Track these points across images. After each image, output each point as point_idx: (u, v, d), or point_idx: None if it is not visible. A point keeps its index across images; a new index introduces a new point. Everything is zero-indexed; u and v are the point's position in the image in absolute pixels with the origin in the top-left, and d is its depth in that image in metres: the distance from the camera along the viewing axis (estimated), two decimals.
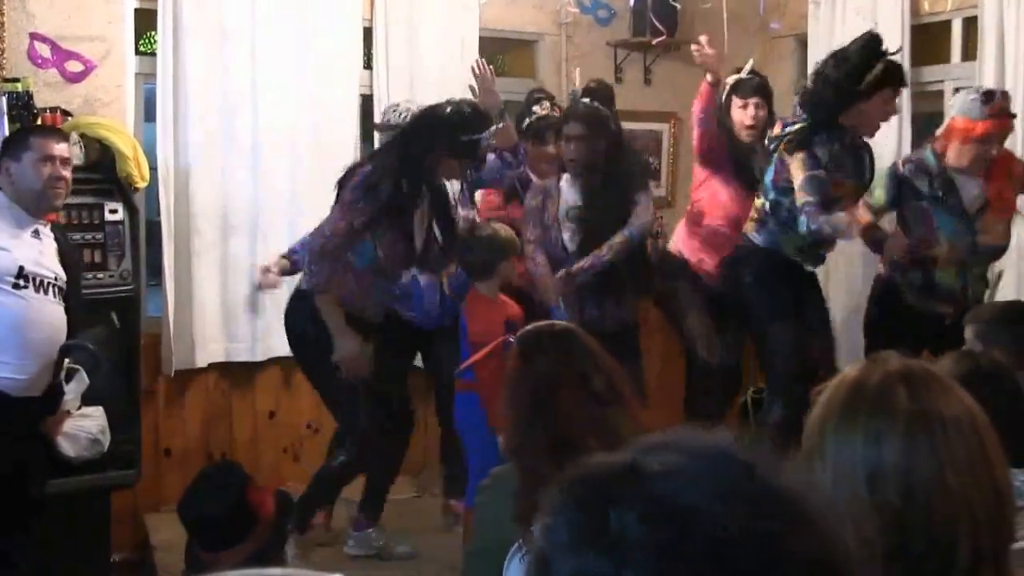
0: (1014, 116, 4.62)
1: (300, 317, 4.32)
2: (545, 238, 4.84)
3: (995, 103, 4.51)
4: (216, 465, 3.87)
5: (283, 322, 4.49)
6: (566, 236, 4.82)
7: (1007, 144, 4.70)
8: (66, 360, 4.03)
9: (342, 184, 4.28)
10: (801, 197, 4.46)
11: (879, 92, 4.46)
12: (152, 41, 5.22)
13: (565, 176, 4.90)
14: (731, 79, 5.17)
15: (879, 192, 4.82)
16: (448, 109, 4.25)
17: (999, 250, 4.76)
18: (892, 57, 4.52)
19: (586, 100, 4.94)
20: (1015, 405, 2.50)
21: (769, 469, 0.91)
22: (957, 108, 4.63)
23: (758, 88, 5.16)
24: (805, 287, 4.89)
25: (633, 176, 4.93)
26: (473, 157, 4.35)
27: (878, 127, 4.62)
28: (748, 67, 5.20)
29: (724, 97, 5.15)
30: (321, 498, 4.61)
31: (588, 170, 4.79)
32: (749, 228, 4.85)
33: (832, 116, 4.51)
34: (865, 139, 4.65)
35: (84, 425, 4.21)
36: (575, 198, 4.83)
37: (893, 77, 4.49)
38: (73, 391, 4.08)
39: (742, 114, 5.13)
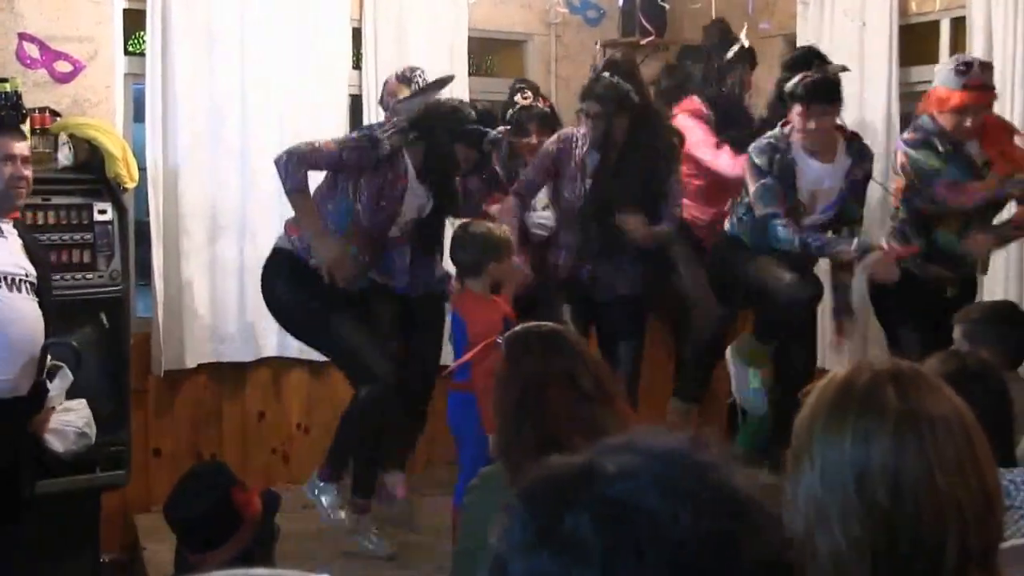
0: (992, 88, 4.57)
1: (269, 274, 4.49)
2: (571, 189, 4.86)
3: (971, 76, 4.50)
4: (201, 465, 3.87)
5: (264, 289, 4.56)
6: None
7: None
8: (48, 358, 4.02)
9: None
10: (759, 209, 4.60)
11: (794, 106, 4.56)
12: (141, 41, 5.21)
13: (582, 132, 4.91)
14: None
15: (933, 163, 4.65)
16: (457, 102, 4.54)
17: (1000, 203, 4.70)
18: (818, 75, 4.57)
19: (606, 75, 4.84)
20: (1001, 405, 2.52)
21: (723, 471, 0.92)
22: (938, 77, 4.68)
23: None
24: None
25: (657, 155, 4.87)
26: (479, 147, 4.46)
27: (816, 142, 4.66)
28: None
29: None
30: (349, 442, 4.54)
31: (606, 147, 4.80)
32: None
33: (773, 125, 4.73)
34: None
35: (69, 419, 4.20)
36: (592, 167, 4.86)
37: (806, 93, 4.53)
38: (58, 388, 4.07)
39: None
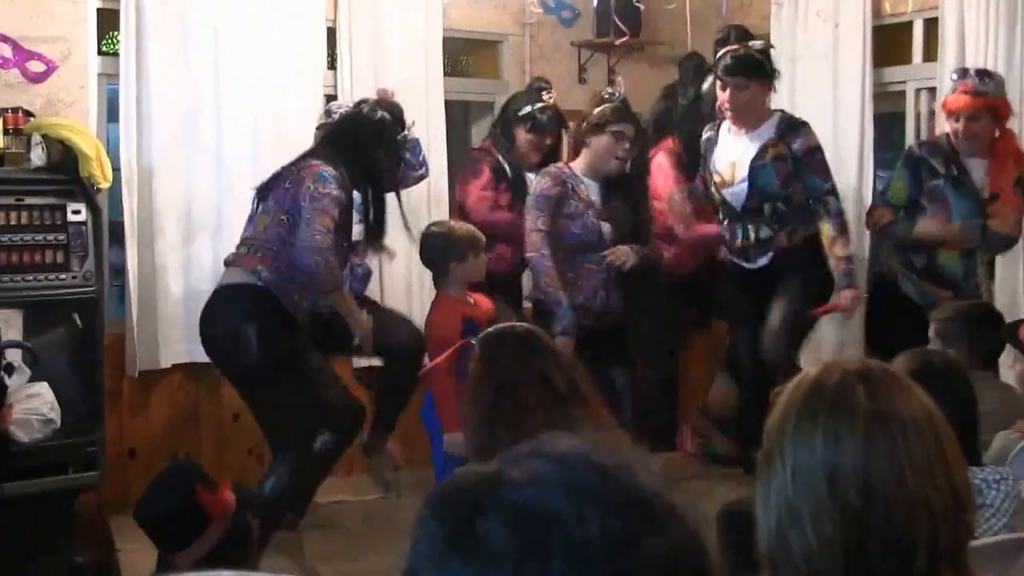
0: (984, 94, 4.61)
1: (233, 315, 4.25)
2: (581, 224, 4.82)
3: (964, 80, 4.63)
4: (170, 465, 3.83)
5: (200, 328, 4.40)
6: (605, 227, 4.84)
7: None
8: (2, 358, 4.01)
9: (268, 188, 4.36)
10: None
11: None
12: (115, 41, 5.19)
13: (578, 169, 4.90)
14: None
15: (897, 185, 4.86)
16: (377, 112, 4.47)
17: (1009, 240, 4.73)
18: (735, 50, 4.80)
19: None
20: (965, 404, 2.53)
21: (626, 472, 0.95)
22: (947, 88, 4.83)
23: None
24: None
25: (643, 182, 5.08)
26: (402, 155, 4.55)
27: (735, 117, 4.84)
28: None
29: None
30: (310, 488, 4.45)
31: (609, 176, 4.88)
32: None
33: None
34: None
35: (33, 407, 4.17)
36: (598, 195, 4.89)
37: (719, 68, 4.81)
38: (15, 383, 4.07)
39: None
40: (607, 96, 4.96)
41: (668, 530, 0.93)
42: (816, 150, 4.79)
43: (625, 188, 4.91)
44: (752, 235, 4.87)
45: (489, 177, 5.23)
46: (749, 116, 4.80)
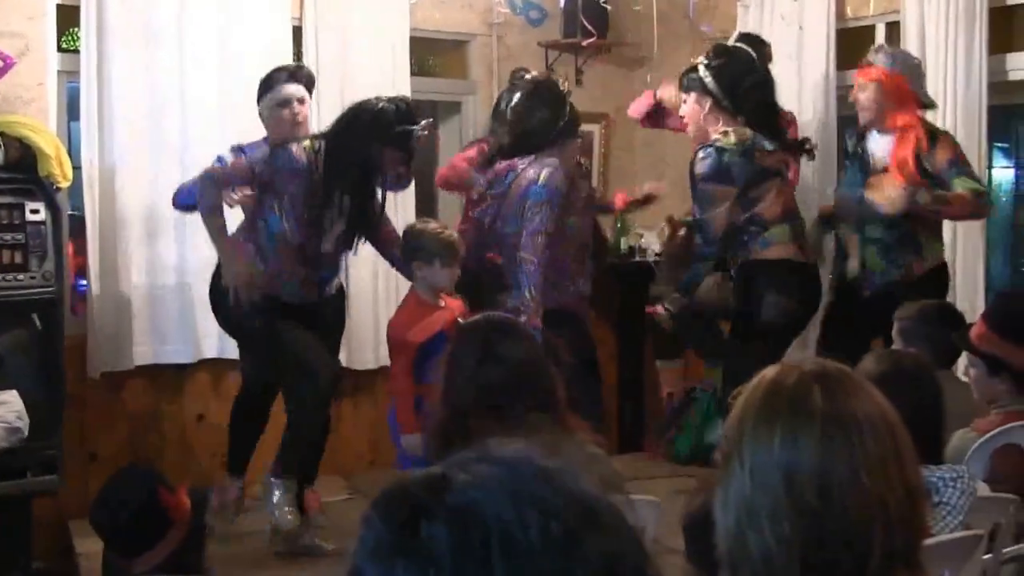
0: (869, 64, 4.72)
1: (216, 290, 4.49)
2: (579, 219, 4.94)
3: (868, 56, 4.75)
4: (123, 469, 3.78)
5: (211, 297, 4.54)
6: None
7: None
8: None
9: None
10: None
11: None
12: (75, 38, 5.13)
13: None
14: None
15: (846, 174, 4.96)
16: (380, 103, 4.37)
17: (880, 212, 4.58)
18: None
19: None
20: (934, 403, 2.55)
21: (567, 475, 0.98)
22: None
23: None
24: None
25: None
26: (407, 148, 4.38)
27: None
28: None
29: None
30: (304, 439, 4.50)
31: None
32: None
33: None
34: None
35: None
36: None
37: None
38: None
39: None
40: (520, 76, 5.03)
41: (608, 532, 0.96)
42: (697, 181, 4.79)
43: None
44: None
45: (476, 154, 5.12)
46: (700, 134, 4.81)
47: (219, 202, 4.39)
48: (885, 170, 4.62)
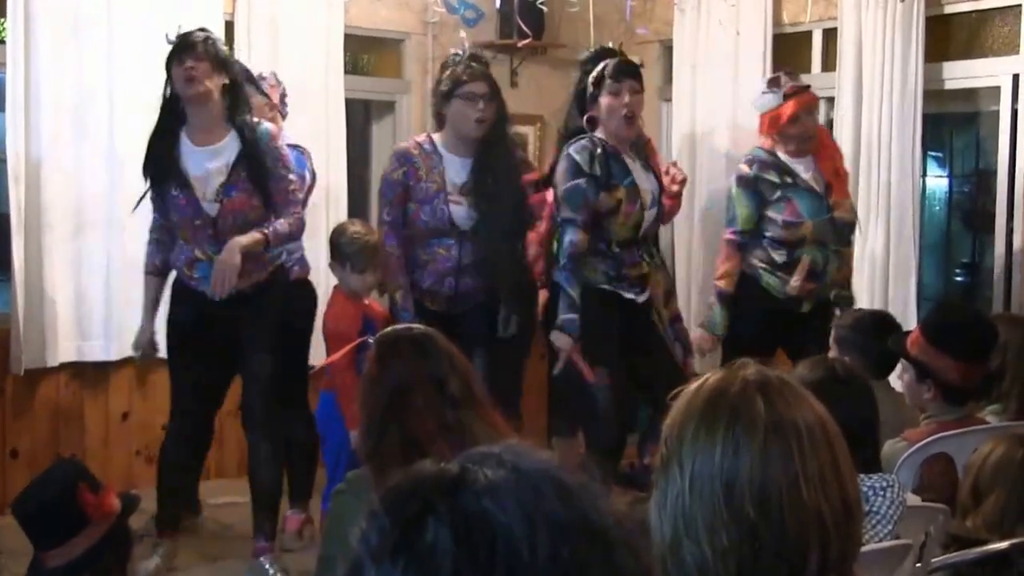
0: (808, 87, 4.82)
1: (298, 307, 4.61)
2: (430, 210, 4.43)
3: (786, 85, 4.76)
4: (55, 463, 3.71)
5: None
6: (460, 212, 4.45)
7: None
8: None
9: None
10: (564, 211, 4.41)
11: (602, 94, 4.47)
12: (1, 27, 5.02)
13: (439, 144, 4.51)
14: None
15: (743, 212, 4.81)
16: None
17: (852, 226, 4.92)
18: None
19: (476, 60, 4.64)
20: (868, 411, 2.57)
21: (586, 495, 0.94)
22: (757, 107, 4.89)
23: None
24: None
25: (519, 161, 4.80)
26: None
27: (630, 132, 4.53)
28: None
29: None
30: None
31: (482, 140, 4.46)
32: None
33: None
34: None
35: None
36: (462, 173, 4.47)
37: (615, 71, 4.46)
38: None
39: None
40: (454, 59, 4.61)
41: (618, 563, 0.92)
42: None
43: (493, 161, 4.50)
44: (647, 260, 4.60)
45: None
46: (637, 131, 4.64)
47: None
48: (829, 188, 4.78)
